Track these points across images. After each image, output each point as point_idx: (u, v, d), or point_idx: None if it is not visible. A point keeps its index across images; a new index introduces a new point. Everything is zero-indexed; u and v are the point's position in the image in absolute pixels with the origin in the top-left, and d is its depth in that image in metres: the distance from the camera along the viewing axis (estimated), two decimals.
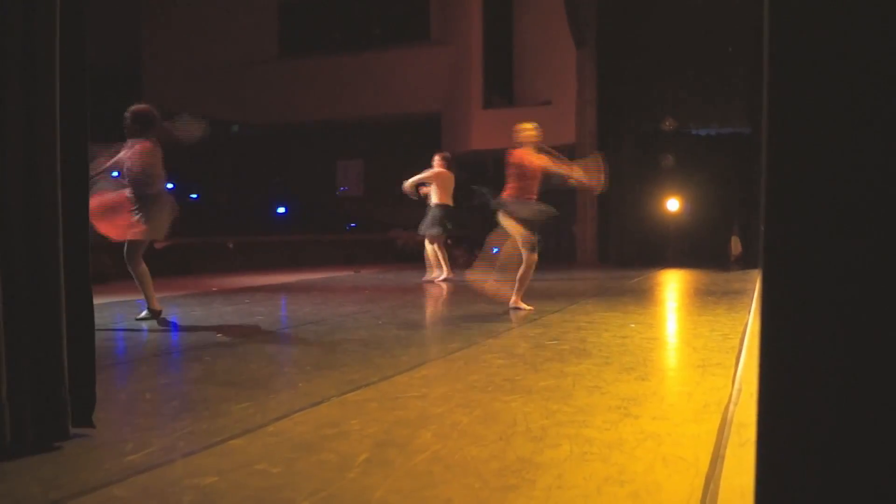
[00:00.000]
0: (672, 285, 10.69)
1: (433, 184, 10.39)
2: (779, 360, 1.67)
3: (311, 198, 17.76)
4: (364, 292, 8.98)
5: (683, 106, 15.15)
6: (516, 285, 7.03)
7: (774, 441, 1.63)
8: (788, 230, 1.60)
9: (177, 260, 11.60)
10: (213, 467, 2.56)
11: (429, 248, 10.61)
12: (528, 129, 7.08)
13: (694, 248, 15.04)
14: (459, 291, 9.22)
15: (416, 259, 16.08)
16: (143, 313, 6.35)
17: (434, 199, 10.39)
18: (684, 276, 11.89)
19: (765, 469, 1.61)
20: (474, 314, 6.81)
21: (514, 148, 7.07)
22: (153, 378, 4.22)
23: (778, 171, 1.61)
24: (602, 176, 7.39)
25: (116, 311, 6.98)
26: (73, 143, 2.86)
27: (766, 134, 1.61)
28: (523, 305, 7.01)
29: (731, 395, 3.57)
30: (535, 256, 7.06)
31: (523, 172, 6.97)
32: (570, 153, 15.92)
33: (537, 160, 7.04)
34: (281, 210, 18.02)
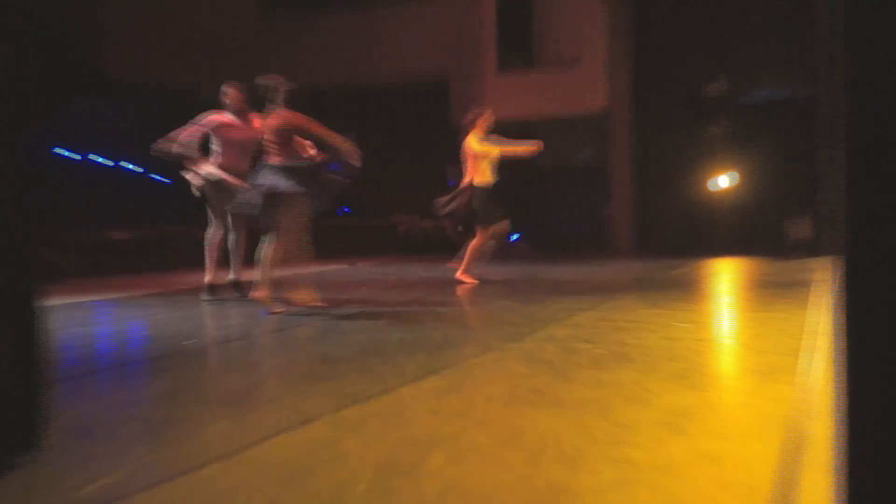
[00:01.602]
0: (726, 276, 10.63)
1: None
2: (864, 363, 1.61)
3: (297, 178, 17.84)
4: (361, 289, 8.96)
5: (736, 64, 15.06)
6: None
7: (859, 462, 1.57)
8: (877, 208, 1.54)
9: (138, 253, 11.61)
10: (182, 501, 2.53)
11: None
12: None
13: (751, 232, 14.99)
14: (475, 288, 9.19)
15: (422, 248, 16.13)
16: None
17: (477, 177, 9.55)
18: (740, 265, 11.84)
19: (848, 495, 1.55)
20: (491, 314, 6.78)
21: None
22: (110, 394, 4.19)
23: (862, 136, 1.55)
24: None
25: (67, 315, 6.97)
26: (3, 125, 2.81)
27: (848, 90, 1.54)
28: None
29: (800, 407, 3.53)
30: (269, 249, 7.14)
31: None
32: (600, 122, 15.92)
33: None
34: None
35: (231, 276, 8.10)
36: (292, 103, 7.09)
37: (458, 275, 9.36)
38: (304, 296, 7.19)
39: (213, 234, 7.99)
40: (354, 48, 17.64)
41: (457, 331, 5.95)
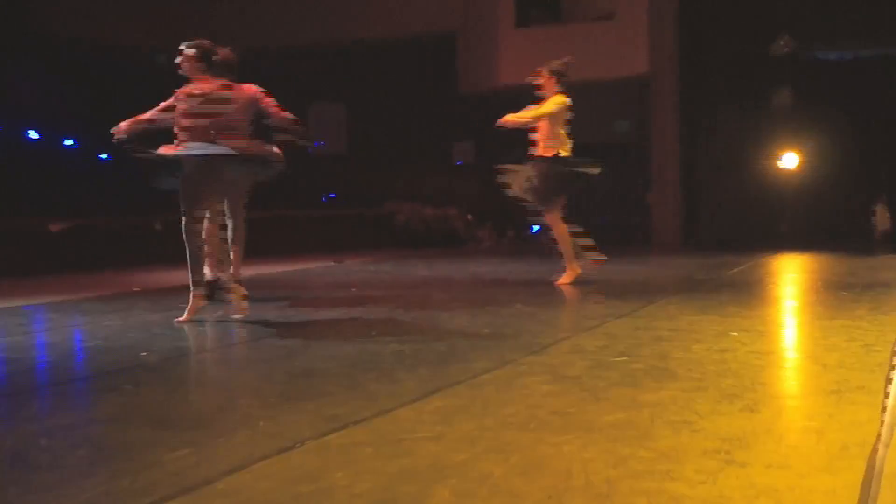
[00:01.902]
0: (790, 276, 10.63)
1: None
2: None
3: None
4: (350, 290, 8.97)
5: (805, 18, 15.03)
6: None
7: None
8: None
9: (82, 248, 11.65)
10: None
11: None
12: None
13: (820, 223, 14.96)
14: (486, 287, 9.20)
15: (423, 242, 16.11)
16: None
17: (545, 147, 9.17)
18: (807, 262, 11.83)
19: None
20: (507, 320, 6.79)
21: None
22: (51, 416, 4.23)
23: None
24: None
25: None
26: None
27: None
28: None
29: (880, 433, 3.54)
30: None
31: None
32: (640, 89, 15.90)
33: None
34: None
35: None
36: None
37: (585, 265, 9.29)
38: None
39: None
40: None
41: (465, 341, 5.96)
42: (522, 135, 9.27)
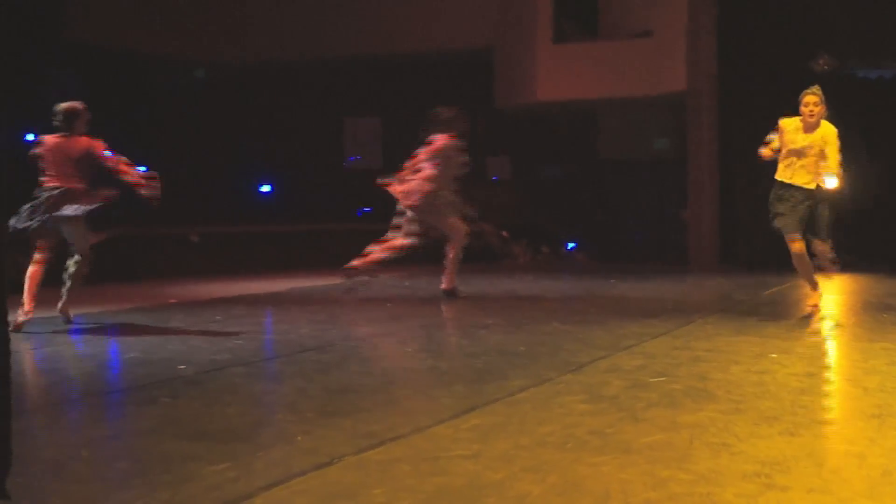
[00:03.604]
0: (828, 297, 10.53)
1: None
2: None
3: (308, 171, 17.83)
4: (386, 306, 8.98)
5: (845, 37, 14.94)
6: None
7: None
8: None
9: (119, 260, 11.71)
10: None
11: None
12: None
13: (862, 243, 14.82)
14: (522, 304, 9.19)
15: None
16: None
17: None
18: (846, 283, 11.73)
19: None
20: (544, 338, 6.78)
21: None
22: (91, 428, 4.26)
23: None
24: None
25: (37, 331, 7.05)
26: None
27: None
28: None
29: None
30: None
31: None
32: (677, 105, 15.84)
33: None
34: (265, 189, 18.12)
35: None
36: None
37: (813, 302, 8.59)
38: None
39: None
40: (379, 12, 17.67)
41: (502, 358, 5.96)
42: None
